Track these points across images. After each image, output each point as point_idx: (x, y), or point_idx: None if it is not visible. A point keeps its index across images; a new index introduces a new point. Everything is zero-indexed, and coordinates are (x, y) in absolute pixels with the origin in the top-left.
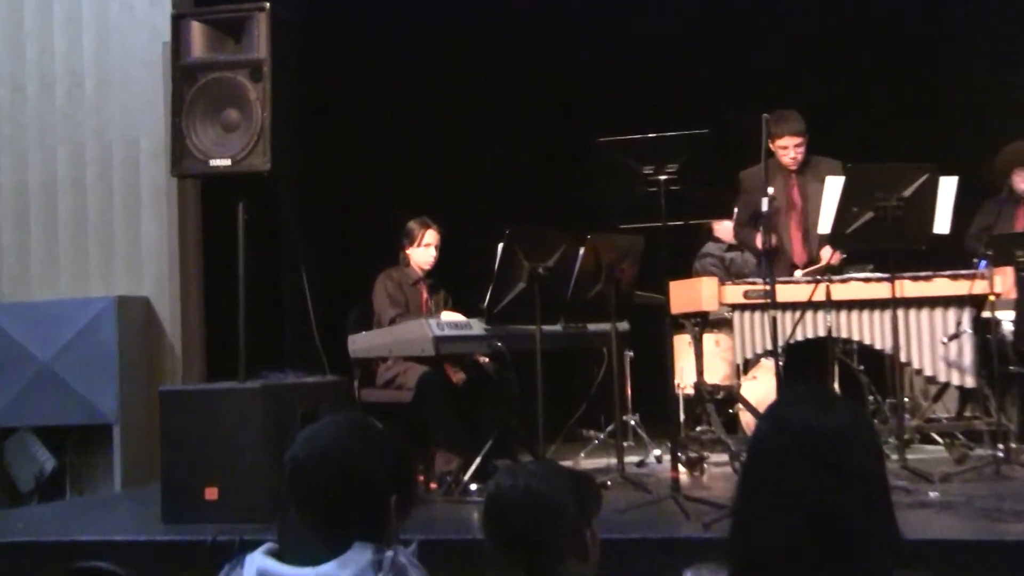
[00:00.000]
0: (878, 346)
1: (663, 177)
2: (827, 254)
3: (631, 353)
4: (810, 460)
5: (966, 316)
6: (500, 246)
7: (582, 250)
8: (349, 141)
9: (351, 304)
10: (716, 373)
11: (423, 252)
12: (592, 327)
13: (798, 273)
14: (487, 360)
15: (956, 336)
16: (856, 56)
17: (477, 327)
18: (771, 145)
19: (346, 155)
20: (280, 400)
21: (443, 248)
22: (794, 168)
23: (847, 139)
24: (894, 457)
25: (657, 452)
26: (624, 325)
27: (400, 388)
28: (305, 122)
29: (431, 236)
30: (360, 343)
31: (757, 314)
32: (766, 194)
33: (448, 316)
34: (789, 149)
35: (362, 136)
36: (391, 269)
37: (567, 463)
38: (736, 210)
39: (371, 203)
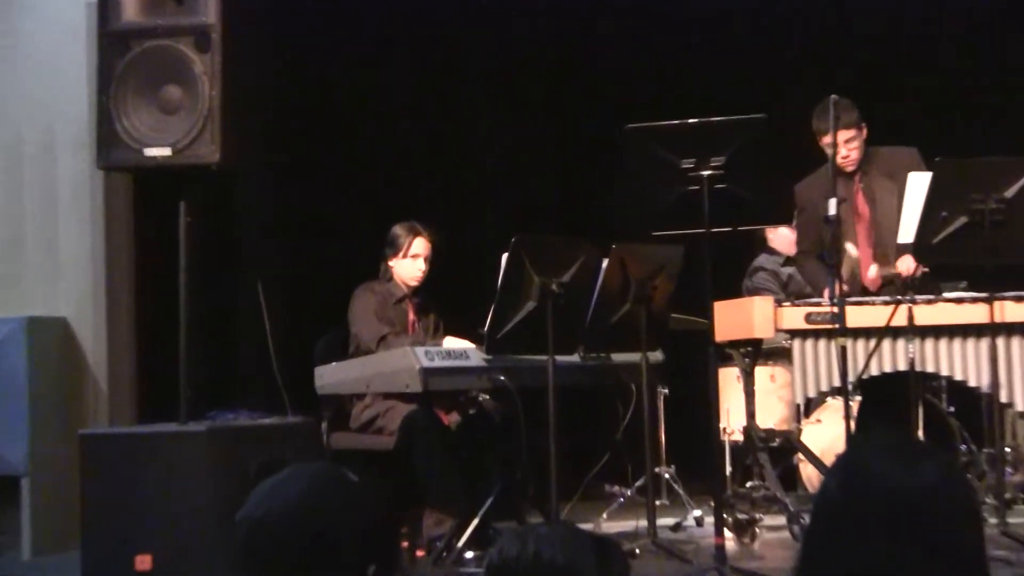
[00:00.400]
0: (972, 383)
1: (707, 172)
2: (907, 266)
3: (666, 390)
4: (889, 526)
5: None
6: (504, 257)
7: (606, 262)
8: (327, 131)
9: (322, 329)
10: (771, 415)
11: (410, 265)
12: (618, 358)
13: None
14: (487, 398)
15: None
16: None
17: (475, 357)
18: (820, 143)
19: (322, 148)
20: (231, 447)
21: (434, 260)
22: (852, 168)
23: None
24: (992, 521)
25: (697, 513)
26: (657, 355)
27: (380, 432)
28: (275, 107)
29: (420, 245)
30: (330, 376)
31: (822, 342)
32: (833, 195)
33: (452, 342)
34: (840, 147)
35: (344, 126)
36: (372, 282)
37: (587, 526)
38: (796, 233)
39: (351, 206)
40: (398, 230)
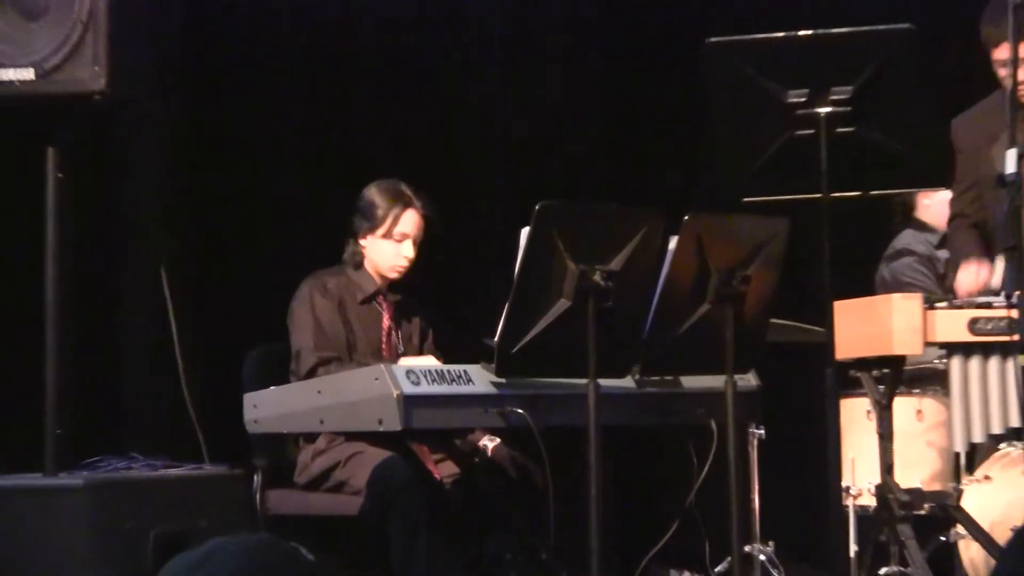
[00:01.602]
0: None
1: (825, 110)
2: None
3: (761, 431)
4: None
5: None
6: (524, 235)
7: (674, 242)
8: (269, 62)
9: (254, 339)
10: (917, 469)
11: (392, 249)
12: (690, 383)
13: None
14: (498, 442)
15: None
16: None
17: (480, 380)
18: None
19: (262, 85)
20: (120, 508)
21: (424, 242)
22: None
23: None
24: None
25: None
26: (750, 380)
27: (339, 490)
28: (190, 25)
29: (410, 222)
30: (267, 407)
31: (994, 362)
32: (1012, 142)
33: (421, 362)
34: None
35: (286, 56)
36: (325, 272)
37: None
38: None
39: (296, 169)
40: (377, 196)
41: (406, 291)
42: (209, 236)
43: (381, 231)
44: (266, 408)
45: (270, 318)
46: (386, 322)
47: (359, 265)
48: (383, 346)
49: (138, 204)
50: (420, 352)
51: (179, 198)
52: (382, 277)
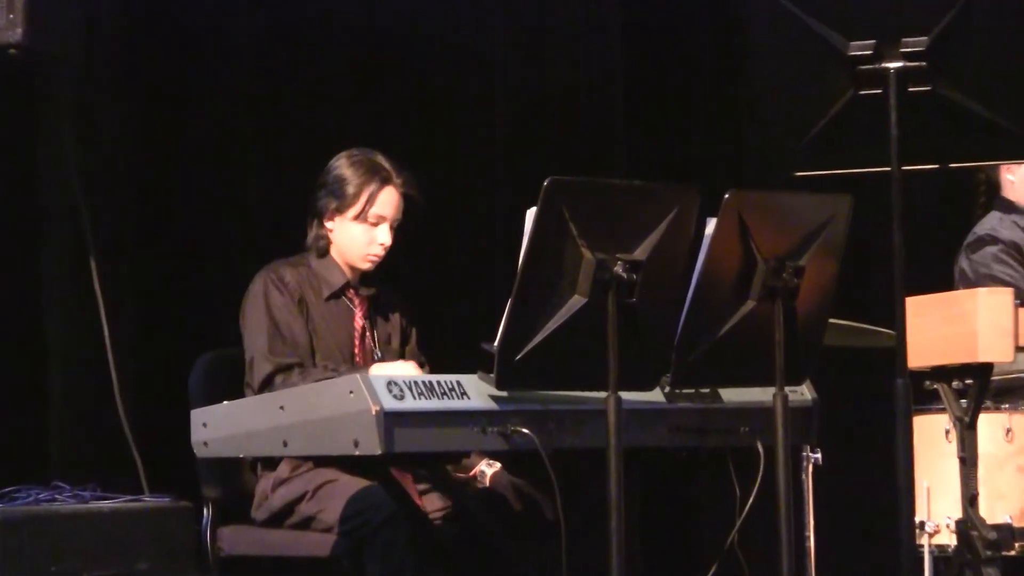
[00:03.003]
0: None
1: (895, 65)
2: None
3: (817, 454)
4: None
5: None
6: (529, 217)
7: (712, 225)
8: (228, 19)
9: (202, 344)
10: (1008, 500)
11: (364, 234)
12: (731, 396)
13: None
14: (498, 469)
15: None
16: None
17: (477, 394)
18: None
19: (219, 45)
20: (40, 547)
21: (403, 225)
22: None
23: None
24: None
25: None
26: (803, 393)
27: (306, 527)
28: None
29: (388, 201)
30: (218, 426)
31: None
32: None
33: (402, 369)
34: None
35: (248, 10)
36: (282, 263)
37: None
38: None
39: (260, 143)
40: (348, 170)
41: (382, 283)
42: (150, 219)
43: (352, 212)
44: (218, 427)
45: (223, 318)
46: (359, 321)
47: (324, 252)
48: (355, 351)
49: (63, 181)
50: (401, 357)
51: (115, 175)
52: (352, 267)
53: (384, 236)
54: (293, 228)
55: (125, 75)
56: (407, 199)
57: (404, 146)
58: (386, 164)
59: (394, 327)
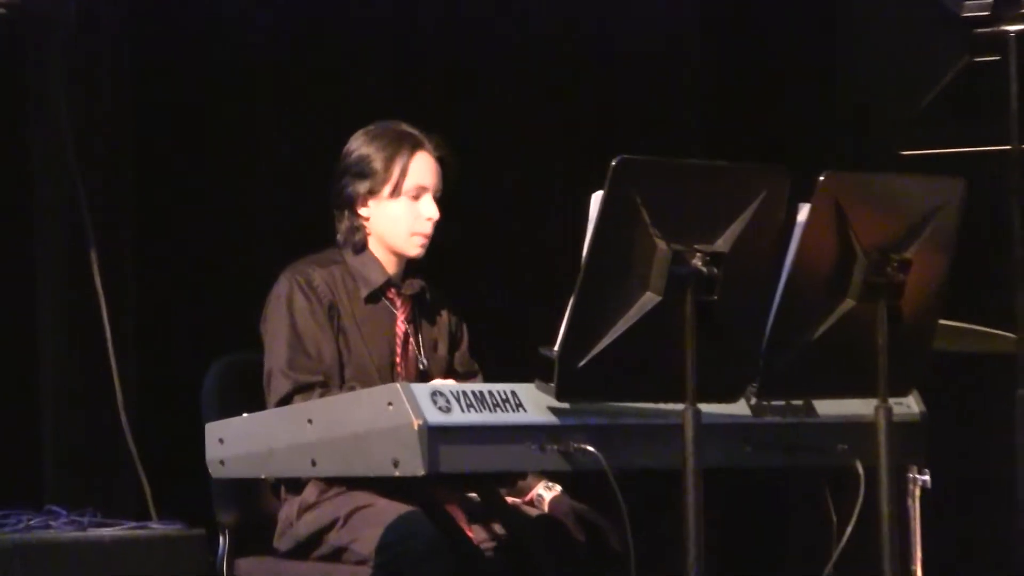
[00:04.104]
0: None
1: (1016, 28)
2: None
3: (926, 476)
4: None
5: None
6: (594, 202)
7: (804, 212)
8: None
9: (217, 349)
10: None
11: (408, 211)
12: (826, 409)
13: None
14: (558, 492)
15: None
16: None
17: (534, 406)
18: None
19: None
20: None
21: (445, 209)
22: None
23: None
24: None
25: None
26: (911, 405)
27: (338, 558)
28: None
29: (425, 167)
30: (237, 442)
31: None
32: None
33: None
34: None
35: None
36: (311, 261)
37: None
38: None
39: (281, 118)
40: (369, 146)
41: (428, 279)
42: (158, 206)
43: (387, 189)
44: (236, 444)
45: (240, 316)
46: (401, 325)
47: (362, 247)
48: (396, 359)
49: (57, 162)
50: (450, 367)
51: (118, 154)
52: (398, 258)
53: (429, 208)
54: (320, 214)
55: (127, 46)
56: (442, 164)
57: (443, 126)
58: (411, 129)
59: (441, 331)
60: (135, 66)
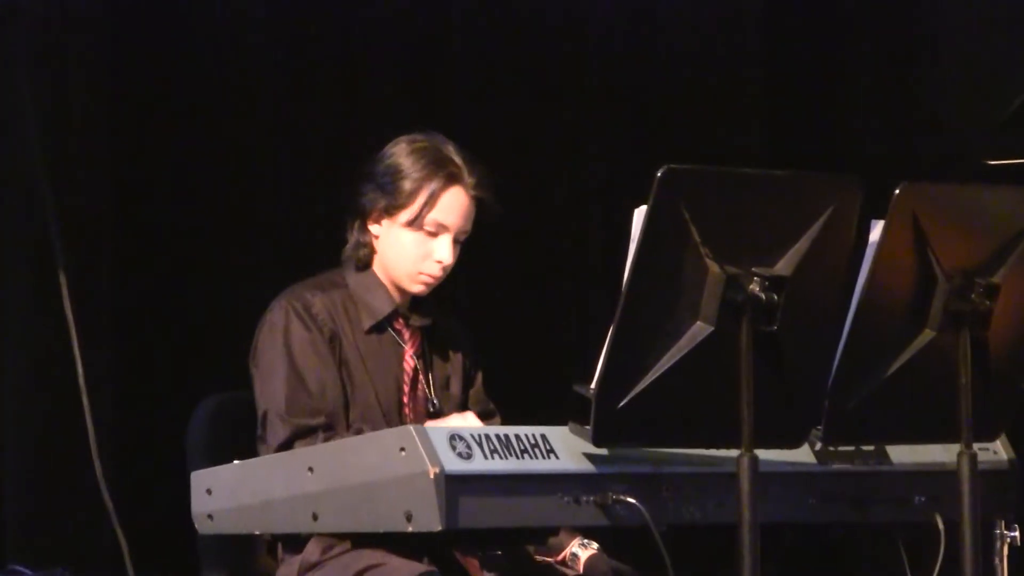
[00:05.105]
0: None
1: None
2: None
3: (1015, 532)
4: None
5: None
6: (637, 218)
7: (877, 229)
8: None
9: (205, 386)
10: None
11: (417, 247)
12: (902, 456)
13: None
14: (594, 552)
15: None
16: None
17: (568, 452)
18: None
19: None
20: None
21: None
22: None
23: None
24: None
25: None
26: (999, 451)
27: None
28: None
29: (455, 205)
30: (227, 493)
31: None
32: None
33: (466, 421)
34: None
35: None
36: (309, 286)
37: None
38: None
39: (279, 120)
40: (406, 159)
41: (440, 308)
42: (138, 222)
43: (405, 215)
44: (226, 495)
45: (233, 351)
46: (409, 360)
47: (365, 264)
48: (404, 399)
49: (25, 169)
50: (463, 408)
51: (89, 162)
52: (401, 292)
53: (443, 251)
54: (319, 233)
55: (102, 37)
56: (478, 203)
57: (467, 132)
58: (456, 157)
59: (455, 367)
60: (111, 60)
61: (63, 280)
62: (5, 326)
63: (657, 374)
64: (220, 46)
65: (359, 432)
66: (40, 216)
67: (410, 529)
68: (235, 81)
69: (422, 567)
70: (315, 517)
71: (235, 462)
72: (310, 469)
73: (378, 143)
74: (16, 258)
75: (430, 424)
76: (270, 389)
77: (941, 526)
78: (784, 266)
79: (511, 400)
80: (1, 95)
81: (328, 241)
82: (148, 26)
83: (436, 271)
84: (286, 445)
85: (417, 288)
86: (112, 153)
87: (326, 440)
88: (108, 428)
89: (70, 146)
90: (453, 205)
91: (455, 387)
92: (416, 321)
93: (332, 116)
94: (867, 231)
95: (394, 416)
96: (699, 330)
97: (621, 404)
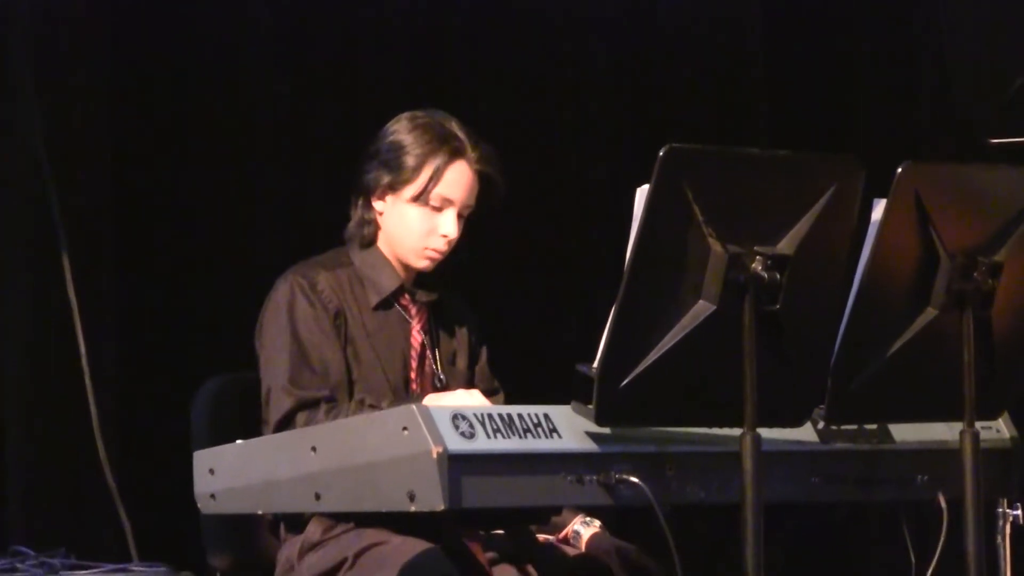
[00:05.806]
0: None
1: None
2: None
3: (1017, 511)
4: None
5: None
6: (639, 197)
7: (879, 209)
8: None
9: (207, 368)
10: None
11: (422, 222)
12: (904, 434)
13: None
14: (599, 529)
15: None
16: None
17: (571, 431)
18: None
19: None
20: None
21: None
22: None
23: None
24: None
25: None
26: (1001, 430)
27: None
28: None
29: (459, 179)
30: (230, 473)
31: None
32: None
33: (471, 399)
34: None
35: None
36: (313, 264)
37: None
38: None
39: (280, 106)
40: (409, 135)
41: (446, 285)
42: (140, 203)
43: (410, 191)
44: (229, 475)
45: (236, 330)
46: (416, 336)
47: (370, 241)
48: (411, 375)
49: (26, 157)
50: (469, 384)
51: (90, 154)
52: (407, 267)
53: (448, 225)
54: (321, 219)
55: (105, 39)
56: (483, 179)
57: (472, 111)
58: (459, 132)
59: (461, 343)
60: (111, 60)
61: (66, 263)
62: (10, 311)
63: (660, 353)
64: (220, 45)
65: (361, 403)
66: (43, 201)
67: (413, 509)
68: (235, 79)
69: (424, 545)
70: (318, 497)
71: (238, 442)
72: (313, 448)
73: (362, 128)
74: (22, 250)
75: (432, 401)
76: (274, 364)
77: (944, 505)
78: (787, 245)
79: (514, 379)
80: (2, 95)
81: (327, 238)
82: (148, 26)
83: (442, 246)
84: (288, 416)
85: (423, 264)
86: (114, 136)
87: (328, 412)
88: (111, 410)
89: (70, 137)
90: (458, 179)
91: (461, 362)
92: (423, 297)
93: (332, 114)
94: (869, 210)
95: (402, 392)
96: (702, 309)
97: (624, 383)
